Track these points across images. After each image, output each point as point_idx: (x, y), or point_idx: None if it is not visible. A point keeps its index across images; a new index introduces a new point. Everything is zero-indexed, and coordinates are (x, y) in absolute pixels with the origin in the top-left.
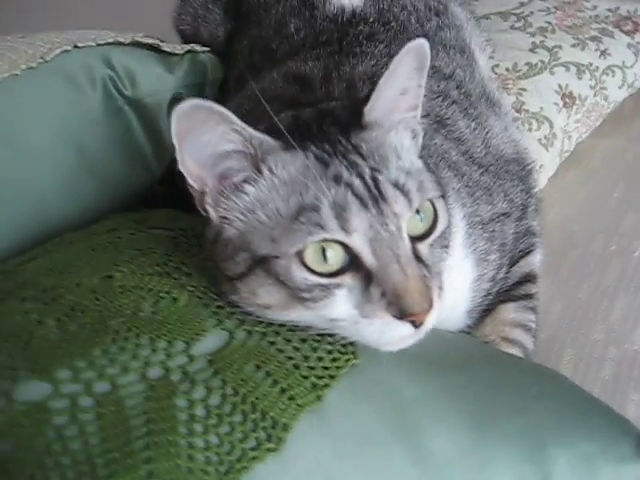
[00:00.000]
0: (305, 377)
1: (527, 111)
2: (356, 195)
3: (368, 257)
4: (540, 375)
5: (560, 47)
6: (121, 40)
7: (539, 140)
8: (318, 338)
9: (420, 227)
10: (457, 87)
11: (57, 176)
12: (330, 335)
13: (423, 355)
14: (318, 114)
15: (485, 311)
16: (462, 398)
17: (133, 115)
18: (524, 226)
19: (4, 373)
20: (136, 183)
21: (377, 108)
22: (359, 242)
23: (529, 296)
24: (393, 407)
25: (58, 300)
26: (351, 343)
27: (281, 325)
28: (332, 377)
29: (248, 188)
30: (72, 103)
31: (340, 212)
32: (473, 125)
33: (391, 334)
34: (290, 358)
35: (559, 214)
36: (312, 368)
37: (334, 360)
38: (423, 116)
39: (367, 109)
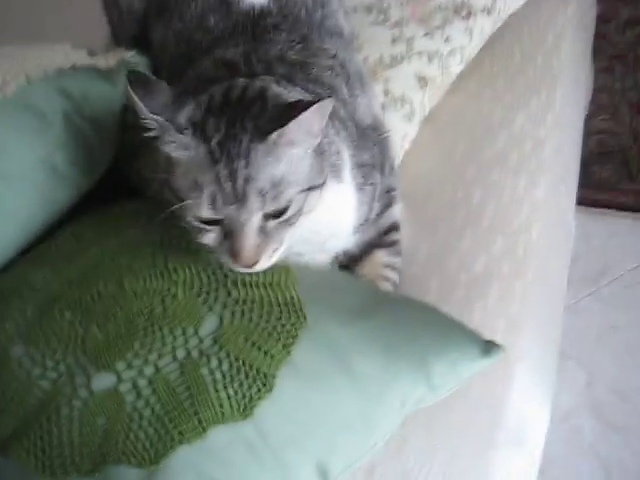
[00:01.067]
0: (278, 340)
1: (393, 94)
2: (224, 195)
3: (226, 226)
4: (419, 308)
5: (414, 38)
6: (66, 68)
7: (404, 116)
8: (279, 314)
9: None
10: (340, 65)
11: (37, 194)
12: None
13: (347, 305)
14: (240, 102)
15: (363, 255)
16: (375, 334)
17: (90, 129)
18: (384, 183)
19: (78, 372)
20: (94, 180)
21: (281, 139)
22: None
23: (395, 242)
24: (332, 349)
25: (90, 309)
26: (302, 309)
27: (251, 305)
28: (294, 337)
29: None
30: (41, 131)
31: (213, 202)
32: (349, 94)
33: (233, 268)
34: (264, 328)
35: (418, 169)
36: (280, 332)
37: (293, 325)
38: (315, 83)
39: (272, 136)
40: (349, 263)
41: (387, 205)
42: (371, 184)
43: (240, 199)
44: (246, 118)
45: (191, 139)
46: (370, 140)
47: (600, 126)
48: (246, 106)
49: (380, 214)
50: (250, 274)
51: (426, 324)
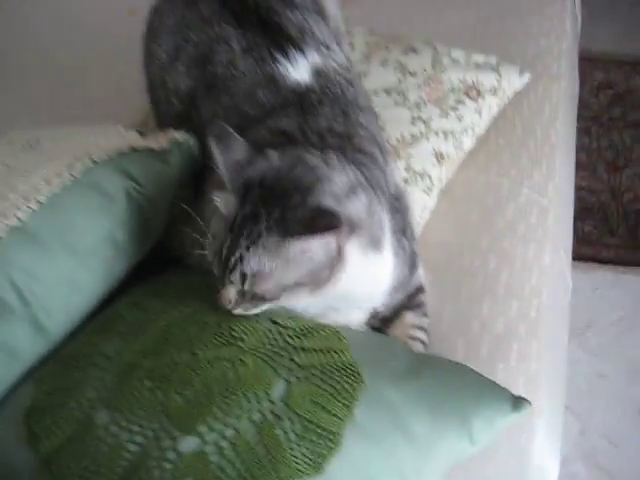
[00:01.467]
0: (341, 401)
1: (414, 170)
2: (220, 257)
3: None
4: (455, 368)
5: (431, 118)
6: (125, 150)
7: (424, 189)
8: (339, 377)
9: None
10: (373, 136)
11: (101, 267)
12: None
13: (394, 367)
14: (274, 189)
15: (393, 317)
16: (422, 394)
17: (147, 205)
18: (411, 247)
19: (163, 435)
20: (147, 251)
21: (295, 248)
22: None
23: (422, 304)
24: (388, 409)
25: (168, 377)
26: (359, 372)
27: (314, 370)
28: (355, 398)
29: None
30: (106, 209)
31: (213, 256)
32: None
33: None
34: (328, 391)
35: (438, 237)
36: (342, 394)
37: (352, 387)
38: (360, 153)
39: (287, 242)
40: (381, 325)
41: (413, 268)
42: (402, 248)
43: (228, 268)
44: (278, 205)
45: (234, 201)
46: (395, 207)
47: (580, 184)
48: (288, 191)
49: (409, 276)
50: (307, 341)
51: (463, 383)
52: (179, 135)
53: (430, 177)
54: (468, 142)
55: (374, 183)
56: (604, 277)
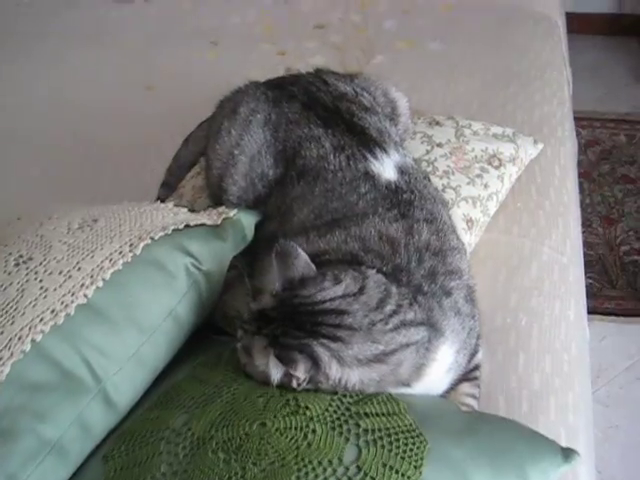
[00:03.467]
0: (410, 462)
1: None
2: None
3: None
4: (507, 424)
5: (460, 186)
6: (181, 227)
7: None
8: (405, 439)
9: None
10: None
11: (164, 342)
12: None
13: (452, 425)
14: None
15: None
16: (481, 450)
17: (203, 280)
18: (474, 328)
19: None
20: (201, 321)
21: None
22: None
23: (477, 377)
24: (452, 466)
25: (241, 448)
26: (421, 433)
27: (380, 434)
28: (422, 458)
29: None
30: (167, 285)
31: None
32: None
33: None
34: (396, 453)
35: None
36: (410, 455)
37: (418, 448)
38: (450, 275)
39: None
40: None
41: (474, 353)
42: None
43: None
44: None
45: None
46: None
47: None
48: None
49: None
50: (367, 407)
51: (517, 437)
52: (232, 212)
53: (462, 243)
54: (493, 207)
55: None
56: (609, 328)
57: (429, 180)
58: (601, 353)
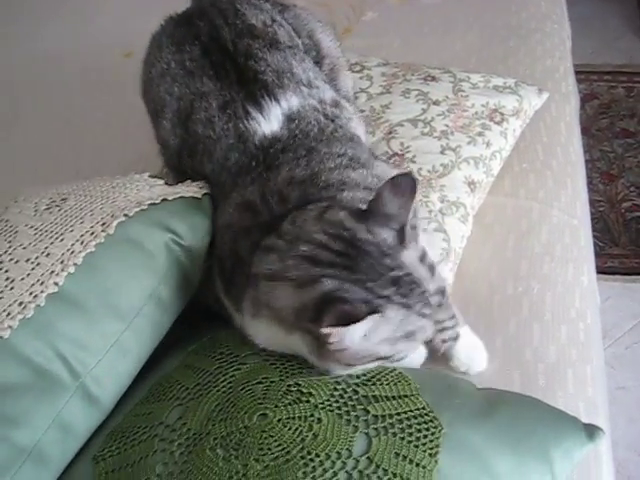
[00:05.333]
0: (424, 450)
1: (449, 200)
2: None
3: None
4: (527, 402)
5: (460, 146)
6: (158, 201)
7: (459, 219)
8: (418, 425)
9: None
10: (352, 158)
11: (148, 327)
12: None
13: (468, 407)
14: None
15: None
16: (501, 433)
17: (185, 257)
18: None
19: None
20: (186, 302)
21: None
22: None
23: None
24: (470, 452)
25: (242, 443)
26: (436, 417)
27: (391, 420)
28: (437, 446)
29: None
30: (146, 266)
31: None
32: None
33: None
34: (410, 441)
35: (477, 266)
36: (424, 443)
37: (433, 434)
38: (326, 189)
39: None
40: None
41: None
42: None
43: None
44: None
45: None
46: None
47: None
48: None
49: None
50: (376, 389)
51: (537, 416)
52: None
53: (465, 206)
54: (497, 167)
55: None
56: (612, 288)
57: (343, 118)
58: (606, 313)
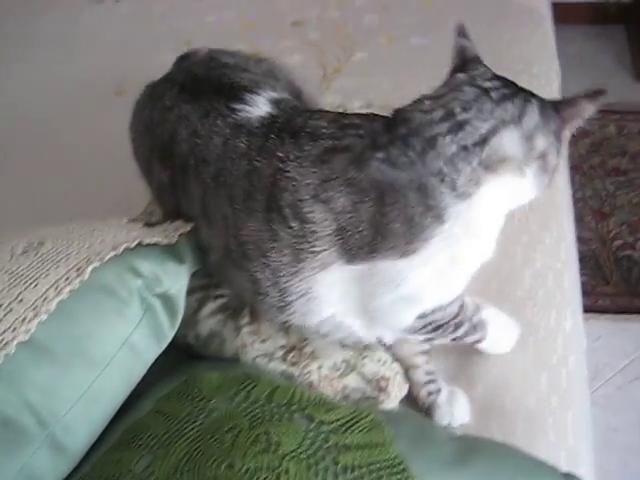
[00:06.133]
0: None
1: None
2: None
3: None
4: (504, 450)
5: None
6: (132, 246)
7: None
8: (388, 476)
9: None
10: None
11: (119, 374)
12: None
13: (443, 455)
14: None
15: None
16: None
17: (159, 304)
18: None
19: None
20: (162, 348)
21: None
22: None
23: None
24: None
25: None
26: (405, 468)
27: (360, 471)
28: None
29: None
30: (118, 312)
31: None
32: None
33: None
34: None
35: None
36: None
37: None
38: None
39: None
40: None
41: None
42: None
43: None
44: None
45: None
46: None
47: None
48: None
49: None
50: (349, 436)
51: (516, 466)
52: (189, 226)
53: None
54: None
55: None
56: (604, 326)
57: None
58: (597, 353)
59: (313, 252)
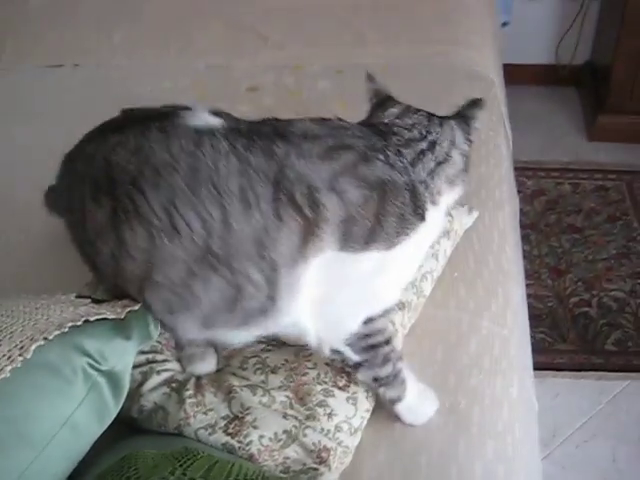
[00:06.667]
0: None
1: None
2: None
3: None
4: None
5: None
6: (79, 323)
7: None
8: None
9: None
10: None
11: (60, 453)
12: None
13: None
14: None
15: None
16: None
17: (104, 381)
18: None
19: None
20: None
21: None
22: None
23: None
24: None
25: None
26: None
27: None
28: None
29: None
30: (61, 392)
31: None
32: None
33: None
34: None
35: None
36: None
37: None
38: None
39: None
40: None
41: None
42: None
43: None
44: None
45: None
46: None
47: (527, 291)
48: None
49: None
50: None
51: None
52: (137, 305)
53: (394, 324)
54: (428, 287)
55: None
56: (561, 384)
57: None
58: (555, 411)
59: (319, 238)
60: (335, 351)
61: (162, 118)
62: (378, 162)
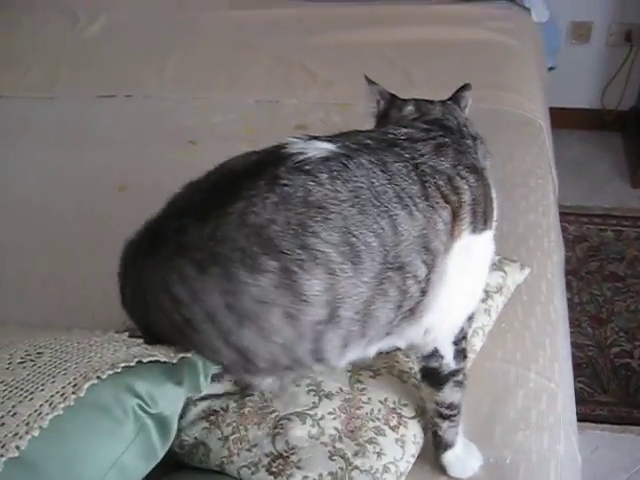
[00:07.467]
0: None
1: None
2: None
3: None
4: None
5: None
6: (131, 364)
7: None
8: None
9: None
10: None
11: None
12: None
13: None
14: None
15: None
16: None
17: (152, 424)
18: None
19: None
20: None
21: None
22: None
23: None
24: None
25: None
26: None
27: None
28: None
29: None
30: (112, 432)
31: None
32: None
33: None
34: None
35: None
36: None
37: None
38: None
39: None
40: None
41: None
42: None
43: None
44: None
45: None
46: None
47: None
48: None
49: None
50: None
51: None
52: (189, 352)
53: None
54: (479, 342)
55: None
56: (601, 437)
57: None
58: (594, 465)
59: (462, 221)
60: (432, 355)
61: (275, 163)
62: (467, 153)
